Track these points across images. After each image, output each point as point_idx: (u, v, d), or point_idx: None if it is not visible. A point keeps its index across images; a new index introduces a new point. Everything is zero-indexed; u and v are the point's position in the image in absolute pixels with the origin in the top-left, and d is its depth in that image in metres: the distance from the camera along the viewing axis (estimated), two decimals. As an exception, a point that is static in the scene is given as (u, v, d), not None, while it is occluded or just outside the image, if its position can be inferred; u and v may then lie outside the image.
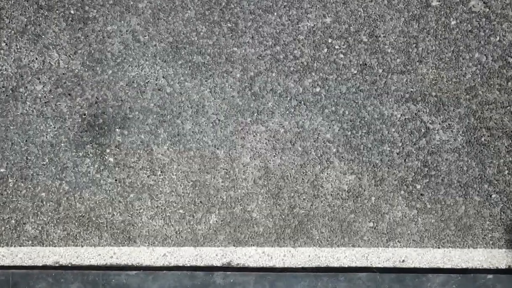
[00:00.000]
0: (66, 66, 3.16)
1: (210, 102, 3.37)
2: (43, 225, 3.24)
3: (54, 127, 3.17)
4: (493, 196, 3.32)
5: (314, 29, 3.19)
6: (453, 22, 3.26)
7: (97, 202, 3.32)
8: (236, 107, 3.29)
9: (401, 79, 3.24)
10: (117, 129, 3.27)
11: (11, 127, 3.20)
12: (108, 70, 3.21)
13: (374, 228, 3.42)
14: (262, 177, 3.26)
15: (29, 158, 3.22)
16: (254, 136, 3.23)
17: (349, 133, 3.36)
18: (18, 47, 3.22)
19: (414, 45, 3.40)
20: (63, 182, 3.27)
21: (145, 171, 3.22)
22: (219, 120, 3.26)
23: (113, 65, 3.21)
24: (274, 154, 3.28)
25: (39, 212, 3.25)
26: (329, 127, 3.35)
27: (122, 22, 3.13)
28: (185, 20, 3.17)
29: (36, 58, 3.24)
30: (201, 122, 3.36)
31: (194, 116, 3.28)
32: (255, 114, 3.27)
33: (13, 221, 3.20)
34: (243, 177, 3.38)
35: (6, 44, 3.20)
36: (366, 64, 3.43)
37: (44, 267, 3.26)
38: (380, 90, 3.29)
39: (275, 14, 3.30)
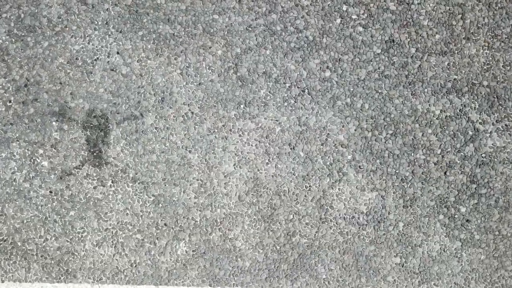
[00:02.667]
0: (-13, 35, 2.57)
1: (181, 88, 2.79)
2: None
3: (-31, 118, 2.57)
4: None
5: (324, -8, 2.61)
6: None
7: (25, 221, 2.73)
8: (216, 96, 2.71)
9: (441, 62, 2.65)
10: (53, 123, 2.68)
11: None
12: (43, 42, 2.62)
13: (402, 266, 2.82)
14: (250, 191, 2.67)
15: None
16: (240, 135, 2.64)
17: (370, 134, 2.77)
18: None
19: (460, 16, 2.84)
20: (-17, 193, 2.68)
21: (90, 181, 2.62)
22: (192, 112, 2.68)
23: (49, 35, 2.63)
24: (266, 161, 2.69)
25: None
26: (343, 126, 2.77)
27: (64, -23, 2.55)
28: (151, -23, 2.61)
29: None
30: (168, 115, 2.78)
31: (158, 107, 2.70)
32: (242, 106, 2.68)
33: None
34: (224, 191, 2.79)
35: None
36: (393, 41, 2.85)
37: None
38: (412, 76, 2.70)
39: (273, -27, 2.75)
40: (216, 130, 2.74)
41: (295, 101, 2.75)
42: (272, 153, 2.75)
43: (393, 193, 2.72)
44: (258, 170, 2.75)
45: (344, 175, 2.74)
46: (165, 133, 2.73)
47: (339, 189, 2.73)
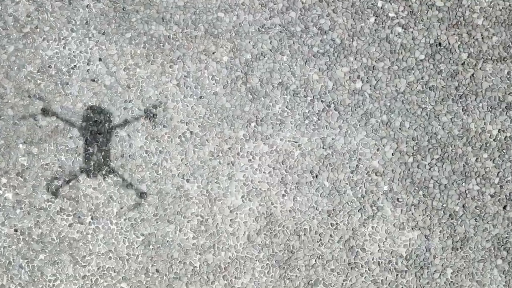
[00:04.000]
0: None
1: (177, 102, 2.36)
2: None
3: None
4: None
5: (354, -16, 2.19)
6: None
7: (-13, 264, 2.30)
8: (221, 112, 2.29)
9: (499, 70, 2.23)
10: (20, 145, 2.26)
11: None
12: (7, 46, 2.22)
13: (451, 322, 2.37)
14: (262, 230, 2.25)
15: None
16: (250, 160, 2.22)
17: (411, 159, 2.34)
18: None
19: (519, 15, 2.38)
20: None
21: (65, 217, 2.20)
22: (191, 132, 2.26)
23: (16, 38, 2.22)
24: (283, 192, 2.27)
25: None
26: (377, 149, 2.34)
27: (35, -34, 2.14)
28: (141, -34, 2.20)
29: None
30: (161, 135, 2.36)
31: (149, 126, 2.27)
32: (253, 124, 2.26)
33: None
34: (229, 230, 2.36)
35: None
36: (440, 45, 2.42)
37: None
38: (463, 88, 2.28)
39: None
40: (220, 154, 2.32)
41: (318, 119, 2.33)
42: (290, 183, 2.32)
43: (440, 232, 2.28)
44: (273, 203, 2.32)
45: (379, 210, 2.31)
46: (157, 158, 2.31)
47: (372, 227, 2.30)
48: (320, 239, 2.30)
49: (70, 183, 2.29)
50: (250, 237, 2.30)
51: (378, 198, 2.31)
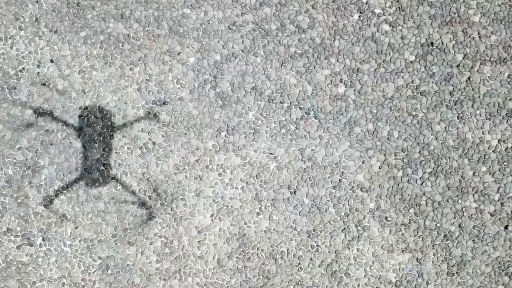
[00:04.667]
0: None
1: (138, 109, 2.13)
2: None
3: None
4: None
5: (336, -23, 1.98)
6: None
7: None
8: (187, 120, 2.07)
9: (498, 73, 2.02)
10: (-38, 157, 2.06)
11: None
12: None
13: None
14: (235, 253, 2.03)
15: None
16: (220, 174, 2.01)
17: (400, 173, 2.12)
18: None
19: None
20: None
21: (12, 238, 1.98)
22: (154, 143, 2.05)
23: (-42, 37, 2.01)
24: (257, 210, 2.06)
25: None
26: (363, 162, 2.12)
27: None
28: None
29: None
30: (120, 146, 2.15)
31: (106, 136, 2.05)
32: (223, 134, 2.05)
33: None
34: (197, 253, 2.12)
35: None
36: (432, 44, 2.21)
37: None
38: (458, 93, 2.07)
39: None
40: (187, 168, 2.11)
41: (296, 128, 2.12)
42: (265, 199, 2.11)
43: (434, 255, 2.07)
44: (246, 223, 2.10)
45: (364, 230, 2.09)
46: (115, 172, 2.09)
47: (357, 249, 2.09)
48: (299, 263, 2.08)
49: (19, 200, 2.08)
50: (221, 261, 2.08)
51: (364, 217, 2.09)
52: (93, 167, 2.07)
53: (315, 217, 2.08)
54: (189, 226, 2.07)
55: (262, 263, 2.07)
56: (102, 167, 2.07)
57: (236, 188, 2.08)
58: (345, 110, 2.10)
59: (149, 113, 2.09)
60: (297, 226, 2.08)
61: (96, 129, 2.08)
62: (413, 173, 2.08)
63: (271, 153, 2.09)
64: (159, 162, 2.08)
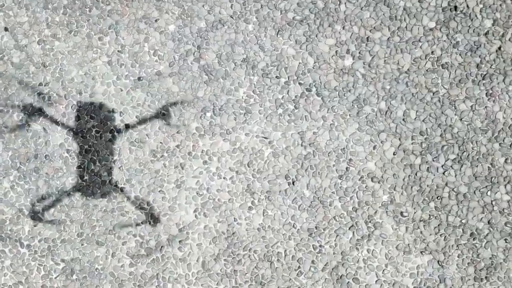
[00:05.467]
0: None
1: (109, 85, 1.70)
2: None
3: None
4: None
5: None
6: None
7: None
8: (167, 98, 1.77)
9: None
10: None
11: None
12: None
13: None
14: (222, 255, 1.75)
15: None
16: (205, 162, 1.73)
17: (418, 160, 1.82)
18: None
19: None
20: None
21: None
22: (127, 126, 1.76)
23: None
24: (249, 204, 1.77)
25: None
26: (374, 147, 1.84)
27: None
28: None
29: None
30: (87, 129, 1.70)
31: (71, 117, 1.75)
32: (209, 115, 1.77)
33: None
34: (178, 255, 1.66)
35: None
36: (456, 8, 1.90)
37: None
38: (487, 66, 1.76)
39: None
40: (165, 154, 1.83)
41: (295, 107, 1.83)
42: (259, 192, 1.83)
43: (458, 257, 1.78)
44: (236, 219, 1.82)
45: (376, 227, 1.81)
46: (82, 160, 1.82)
47: (368, 250, 1.81)
48: (299, 267, 1.80)
49: (-32, 193, 1.81)
50: (206, 264, 1.81)
51: (376, 212, 1.81)
52: (55, 154, 1.79)
53: (317, 213, 1.79)
54: (168, 223, 1.79)
55: (255, 267, 1.79)
56: (65, 154, 1.79)
57: (224, 178, 1.80)
58: (353, 86, 1.82)
59: (121, 90, 1.81)
60: (296, 223, 1.79)
61: (58, 109, 1.80)
62: (433, 160, 1.79)
63: (265, 137, 1.81)
64: (133, 148, 1.79)
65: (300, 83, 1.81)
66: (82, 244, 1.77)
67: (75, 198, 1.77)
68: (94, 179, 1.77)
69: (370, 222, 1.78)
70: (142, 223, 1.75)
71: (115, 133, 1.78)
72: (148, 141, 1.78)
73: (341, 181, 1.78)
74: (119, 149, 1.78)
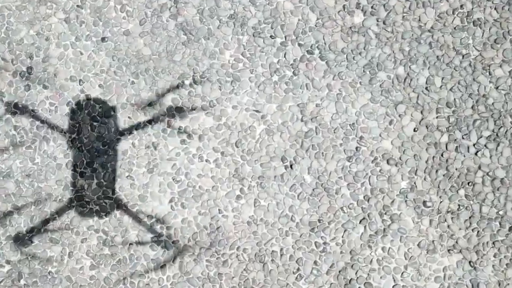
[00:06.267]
0: None
1: (67, 47, 1.41)
2: None
3: None
4: None
5: None
6: None
7: None
8: (137, 63, 1.45)
9: None
10: None
11: None
12: None
13: None
14: (204, 255, 1.43)
15: None
16: (183, 141, 1.44)
17: (445, 138, 1.48)
18: None
19: None
20: None
21: None
22: (88, 98, 1.47)
23: None
24: (238, 193, 1.47)
25: None
26: (390, 122, 1.45)
27: None
28: None
29: None
30: (40, 101, 1.38)
31: (20, 86, 1.44)
32: (188, 83, 1.48)
33: None
34: (150, 254, 1.35)
35: None
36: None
37: None
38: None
39: None
40: (135, 132, 1.52)
41: (294, 73, 1.54)
42: (249, 177, 1.53)
43: (495, 256, 1.48)
44: (221, 211, 1.52)
45: (393, 220, 1.51)
46: (33, 138, 1.52)
47: (383, 248, 1.51)
48: (299, 269, 1.50)
49: None
50: (184, 266, 1.51)
51: (393, 201, 1.51)
52: None
53: (321, 202, 1.49)
54: (138, 216, 1.50)
55: (245, 269, 1.49)
56: (12, 131, 1.50)
57: (206, 161, 1.50)
58: (364, 48, 1.52)
59: (81, 53, 1.52)
60: (295, 216, 1.49)
61: (4, 77, 1.51)
62: (463, 138, 1.49)
63: (257, 111, 1.51)
64: (95, 124, 1.51)
65: (299, 44, 1.50)
66: (31, 242, 1.48)
67: (23, 185, 1.48)
68: (48, 162, 1.48)
69: (385, 214, 1.47)
70: (105, 215, 1.46)
71: (73, 106, 1.49)
72: (113, 115, 1.49)
73: (350, 164, 1.48)
74: (78, 125, 1.49)
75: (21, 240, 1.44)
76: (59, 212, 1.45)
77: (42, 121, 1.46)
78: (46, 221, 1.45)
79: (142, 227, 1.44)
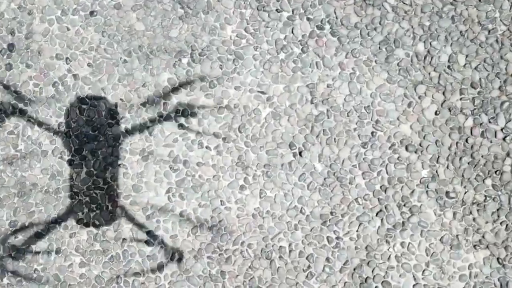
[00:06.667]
0: None
1: (51, 22, 1.27)
2: None
3: None
4: None
5: None
6: None
7: None
8: (129, 39, 1.29)
9: None
10: None
11: None
12: None
13: None
14: (205, 251, 1.31)
15: None
16: (181, 126, 1.31)
17: (470, 122, 1.24)
18: None
19: None
20: None
21: None
22: (75, 76, 1.34)
23: None
24: (241, 183, 1.33)
25: None
26: (409, 105, 1.27)
27: None
28: None
29: None
30: (24, 82, 1.23)
31: (0, 66, 1.34)
32: (186, 61, 1.35)
33: None
34: (146, 251, 1.24)
35: None
36: None
37: None
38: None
39: None
40: (127, 115, 1.36)
41: (302, 50, 1.41)
42: (254, 165, 1.41)
43: None
44: (223, 203, 1.39)
45: (413, 213, 1.38)
46: (16, 122, 1.39)
47: (402, 244, 1.38)
48: (309, 266, 1.38)
49: None
50: (183, 263, 1.39)
51: (412, 192, 1.38)
52: (-19, 117, 1.38)
53: (333, 193, 1.37)
54: (132, 208, 1.38)
55: (250, 267, 1.37)
56: (-5, 116, 1.38)
57: (207, 147, 1.38)
58: (380, 23, 1.39)
59: (68, 29, 1.39)
60: (304, 208, 1.37)
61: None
62: (490, 122, 1.36)
63: (262, 92, 1.38)
64: (84, 107, 1.38)
65: (308, 19, 1.38)
66: (15, 237, 1.36)
67: (5, 174, 1.36)
68: (32, 149, 1.36)
69: (404, 205, 1.35)
70: (96, 208, 1.34)
71: (60, 87, 1.37)
72: (105, 97, 1.37)
73: (365, 151, 1.36)
74: (65, 108, 1.37)
75: (3, 235, 1.32)
76: (45, 204, 1.33)
77: (26, 104, 1.34)
78: (31, 213, 1.33)
79: (137, 220, 1.32)
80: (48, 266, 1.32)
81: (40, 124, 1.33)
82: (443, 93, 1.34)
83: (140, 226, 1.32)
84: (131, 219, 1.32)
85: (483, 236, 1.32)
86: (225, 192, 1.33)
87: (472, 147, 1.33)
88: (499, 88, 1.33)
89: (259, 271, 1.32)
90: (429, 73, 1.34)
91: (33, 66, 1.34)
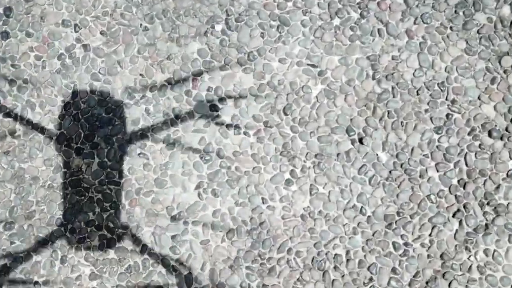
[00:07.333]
0: None
1: None
2: None
3: None
4: None
5: None
6: None
7: None
8: (151, 2, 1.12)
9: None
10: None
11: None
12: None
13: None
14: (243, 260, 1.09)
15: None
16: (214, 107, 1.10)
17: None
18: None
19: None
20: None
21: None
22: (85, 46, 1.11)
23: None
24: (287, 176, 1.12)
25: None
26: (493, 80, 1.01)
27: None
28: None
29: None
30: (21, 56, 1.04)
31: None
32: (219, 28, 1.13)
33: None
34: (173, 256, 1.07)
35: None
36: None
37: None
38: None
39: None
40: (148, 95, 1.17)
41: (361, 15, 1.15)
42: (302, 156, 1.18)
43: None
44: (265, 201, 1.15)
45: (499, 213, 1.11)
46: (13, 104, 1.18)
47: (486, 252, 1.09)
48: (371, 279, 1.12)
49: None
50: (217, 274, 1.17)
51: (498, 187, 1.12)
52: (-29, 96, 1.17)
53: (400, 189, 1.15)
54: (155, 207, 1.17)
55: (298, 279, 1.14)
56: (-12, 96, 1.16)
57: (245, 134, 1.16)
58: (455, -18, 1.18)
59: (77, -10, 1.18)
60: (365, 207, 1.15)
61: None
62: None
63: (313, 65, 1.17)
64: (96, 85, 1.16)
65: (367, -23, 1.17)
66: (11, 242, 1.14)
67: (0, 166, 1.14)
68: (32, 135, 1.15)
69: (488, 204, 1.12)
70: (110, 207, 1.13)
71: (66, 60, 1.16)
72: (121, 72, 1.15)
73: (439, 137, 1.13)
74: (73, 85, 1.15)
75: (-3, 240, 1.11)
76: (48, 203, 1.11)
77: (25, 80, 1.12)
78: (30, 213, 1.11)
79: (160, 222, 1.10)
80: (51, 279, 1.10)
81: (42, 105, 1.11)
82: (535, 67, 1.12)
83: (164, 229, 1.10)
84: (153, 220, 1.10)
85: None
86: (268, 188, 1.11)
87: None
88: None
89: (310, 285, 1.10)
90: (519, 42, 1.12)
91: (34, 35, 1.12)
